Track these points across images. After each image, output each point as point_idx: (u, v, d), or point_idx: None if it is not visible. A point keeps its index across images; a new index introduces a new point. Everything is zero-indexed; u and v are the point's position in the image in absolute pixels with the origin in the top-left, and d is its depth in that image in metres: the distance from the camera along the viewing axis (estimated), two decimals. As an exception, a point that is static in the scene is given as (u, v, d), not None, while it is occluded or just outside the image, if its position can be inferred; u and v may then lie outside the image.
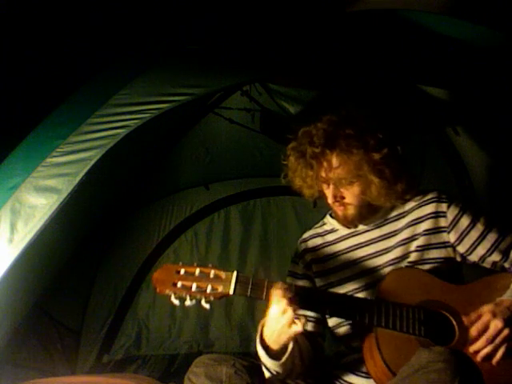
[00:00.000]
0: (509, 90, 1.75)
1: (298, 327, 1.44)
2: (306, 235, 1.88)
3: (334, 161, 1.65)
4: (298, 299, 1.48)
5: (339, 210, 1.71)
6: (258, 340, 1.53)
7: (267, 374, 1.57)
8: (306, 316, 1.69)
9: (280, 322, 1.44)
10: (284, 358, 1.51)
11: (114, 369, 3.13)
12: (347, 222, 1.74)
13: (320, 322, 1.75)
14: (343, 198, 1.68)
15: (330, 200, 1.70)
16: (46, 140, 1.70)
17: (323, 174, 1.68)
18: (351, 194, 1.68)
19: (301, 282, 1.78)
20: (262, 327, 1.52)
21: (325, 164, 1.67)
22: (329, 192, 1.69)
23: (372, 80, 2.15)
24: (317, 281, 1.77)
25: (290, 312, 1.44)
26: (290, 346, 1.51)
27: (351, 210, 1.70)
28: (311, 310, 1.65)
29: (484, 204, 2.63)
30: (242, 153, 3.32)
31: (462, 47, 1.80)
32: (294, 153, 1.74)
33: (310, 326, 1.73)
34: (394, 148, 1.68)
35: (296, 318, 1.44)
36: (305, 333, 1.68)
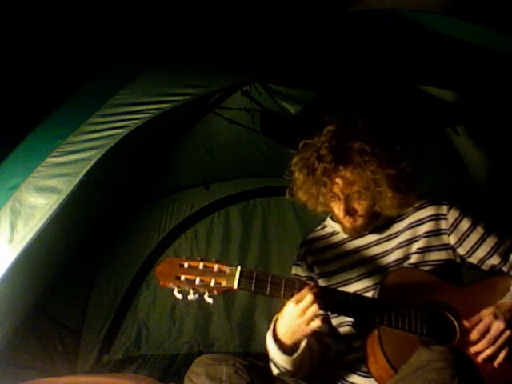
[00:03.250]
0: (508, 90, 1.75)
1: (315, 325, 1.45)
2: (306, 238, 1.87)
3: (349, 176, 1.60)
4: (321, 300, 1.47)
5: (349, 223, 1.68)
6: (270, 334, 1.54)
7: (275, 371, 1.57)
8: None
9: (298, 320, 1.46)
10: (296, 355, 1.52)
11: (114, 369, 3.13)
12: (356, 233, 1.73)
13: (327, 322, 1.74)
14: (355, 211, 1.65)
15: (340, 214, 1.66)
16: (46, 140, 1.70)
17: (336, 190, 1.63)
18: (363, 207, 1.65)
19: None
20: (276, 322, 1.53)
21: (338, 180, 1.61)
22: (339, 207, 1.65)
23: (372, 80, 2.15)
24: (319, 282, 1.77)
25: (310, 311, 1.45)
26: (303, 343, 1.52)
27: (360, 222, 1.68)
28: (332, 311, 1.63)
29: (483, 204, 2.63)
30: (241, 153, 3.31)
31: (462, 47, 1.80)
32: (301, 169, 1.66)
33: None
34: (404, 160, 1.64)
35: (315, 317, 1.45)
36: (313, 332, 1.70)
